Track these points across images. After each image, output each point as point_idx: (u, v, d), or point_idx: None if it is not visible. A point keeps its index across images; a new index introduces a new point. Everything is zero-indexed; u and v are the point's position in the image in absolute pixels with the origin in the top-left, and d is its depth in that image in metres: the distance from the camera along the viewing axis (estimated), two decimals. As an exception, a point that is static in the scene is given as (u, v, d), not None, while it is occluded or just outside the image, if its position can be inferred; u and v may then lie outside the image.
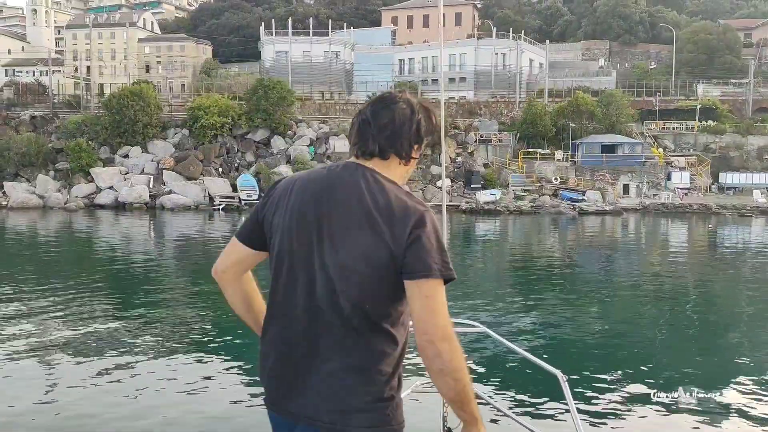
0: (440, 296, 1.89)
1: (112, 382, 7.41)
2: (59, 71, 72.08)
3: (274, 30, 68.63)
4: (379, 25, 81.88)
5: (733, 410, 6.76)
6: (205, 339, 9.60)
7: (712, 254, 22.94)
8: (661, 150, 49.66)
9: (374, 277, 1.90)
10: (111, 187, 41.41)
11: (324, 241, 1.94)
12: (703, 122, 52.12)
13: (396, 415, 1.99)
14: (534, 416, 6.30)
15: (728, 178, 48.36)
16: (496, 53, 65.27)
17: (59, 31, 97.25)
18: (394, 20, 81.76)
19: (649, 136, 51.80)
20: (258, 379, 2.17)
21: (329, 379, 1.95)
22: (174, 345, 9.15)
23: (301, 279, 1.98)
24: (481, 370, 7.86)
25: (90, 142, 44.26)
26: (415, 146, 2.06)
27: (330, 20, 75.27)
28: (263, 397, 2.08)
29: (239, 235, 2.12)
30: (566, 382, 3.19)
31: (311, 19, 72.69)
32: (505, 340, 3.84)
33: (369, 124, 2.04)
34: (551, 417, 6.38)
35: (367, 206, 1.92)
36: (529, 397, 6.99)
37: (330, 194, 1.98)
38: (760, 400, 7.08)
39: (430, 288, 1.87)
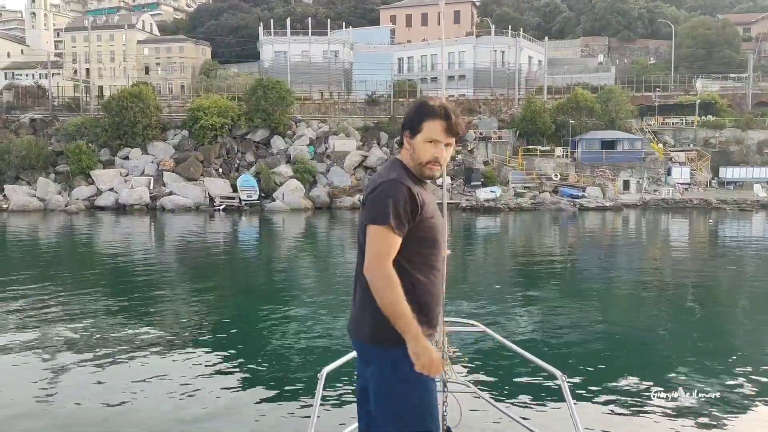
0: (376, 238, 2.55)
1: (113, 381, 7.44)
2: (58, 74, 72.12)
3: (272, 30, 68.63)
4: (378, 24, 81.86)
5: (734, 410, 6.73)
6: (206, 339, 9.61)
7: (713, 249, 22.91)
8: (660, 145, 49.63)
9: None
10: (111, 189, 41.47)
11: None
12: (703, 117, 52.08)
13: (395, 334, 2.55)
14: (533, 416, 6.30)
15: (728, 172, 48.33)
16: (495, 51, 65.23)
17: (58, 34, 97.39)
18: (393, 19, 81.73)
19: (649, 131, 51.78)
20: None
21: (357, 305, 2.76)
22: (175, 345, 9.17)
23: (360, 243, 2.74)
24: (481, 369, 7.86)
25: (90, 145, 44.30)
26: (404, 133, 2.76)
27: (328, 20, 75.19)
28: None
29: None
30: (566, 382, 3.20)
31: (310, 18, 72.66)
32: (504, 340, 3.85)
33: None
34: (551, 417, 6.38)
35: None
36: (528, 396, 6.99)
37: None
38: (761, 399, 7.07)
39: (371, 232, 2.57)
